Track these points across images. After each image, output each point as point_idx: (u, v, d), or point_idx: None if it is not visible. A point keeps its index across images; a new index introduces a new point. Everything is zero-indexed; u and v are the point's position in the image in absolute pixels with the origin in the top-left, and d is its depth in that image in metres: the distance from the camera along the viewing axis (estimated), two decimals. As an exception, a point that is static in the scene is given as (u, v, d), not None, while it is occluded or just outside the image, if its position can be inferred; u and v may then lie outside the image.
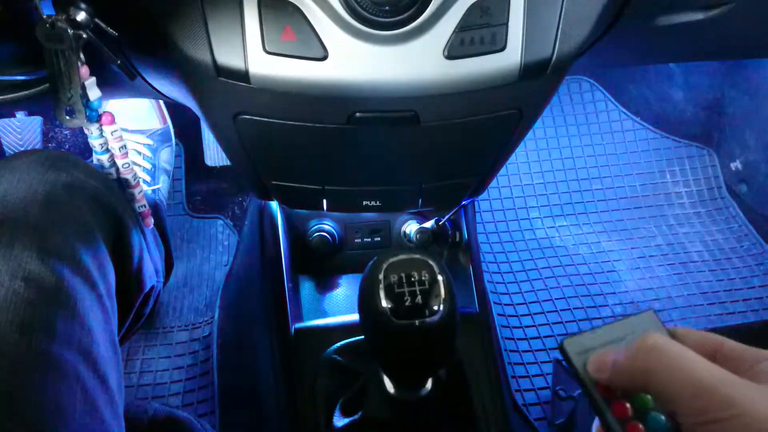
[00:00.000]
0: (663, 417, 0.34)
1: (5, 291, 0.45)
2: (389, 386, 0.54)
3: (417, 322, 0.42)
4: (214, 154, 1.23)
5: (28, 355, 0.43)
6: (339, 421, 0.60)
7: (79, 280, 0.50)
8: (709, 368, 0.31)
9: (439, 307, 0.42)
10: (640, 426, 0.34)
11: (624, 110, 1.37)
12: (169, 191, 1.17)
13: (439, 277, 0.43)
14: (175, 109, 1.13)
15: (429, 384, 0.53)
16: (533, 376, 1.03)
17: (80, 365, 0.46)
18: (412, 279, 0.43)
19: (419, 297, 0.42)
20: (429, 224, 0.80)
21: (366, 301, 0.44)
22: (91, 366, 0.47)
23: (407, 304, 0.42)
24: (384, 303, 0.42)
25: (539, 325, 1.11)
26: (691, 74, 1.34)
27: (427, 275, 0.43)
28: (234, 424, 0.89)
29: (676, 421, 0.33)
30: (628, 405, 0.35)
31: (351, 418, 0.59)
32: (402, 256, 0.44)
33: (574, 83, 1.39)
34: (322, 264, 0.84)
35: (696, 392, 0.30)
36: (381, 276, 0.43)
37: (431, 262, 0.44)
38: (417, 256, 0.44)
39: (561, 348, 0.37)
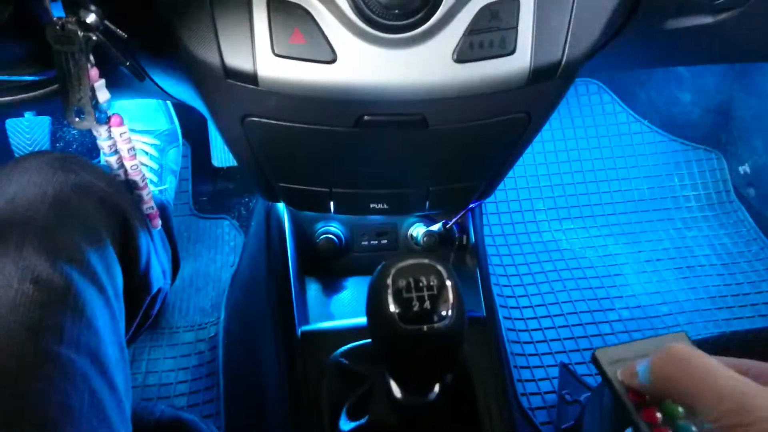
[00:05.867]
0: (693, 427, 0.35)
1: (14, 293, 0.45)
2: (396, 390, 0.53)
3: (425, 328, 0.42)
4: (221, 155, 1.23)
5: (37, 357, 0.44)
6: (345, 425, 0.60)
7: (87, 282, 0.50)
8: (732, 376, 0.32)
9: (447, 312, 0.42)
10: (668, 429, 0.36)
11: (632, 113, 1.37)
12: (176, 191, 1.17)
13: (448, 283, 0.43)
14: (182, 109, 1.13)
15: (436, 389, 0.53)
16: (539, 379, 1.03)
17: (88, 367, 0.46)
18: (421, 284, 0.42)
19: (427, 302, 0.42)
20: (436, 227, 0.80)
21: (374, 305, 0.44)
22: (98, 368, 0.47)
23: (415, 309, 0.42)
24: (392, 308, 0.42)
25: (545, 328, 1.10)
26: (700, 77, 1.34)
27: (435, 280, 0.43)
28: (239, 426, 0.89)
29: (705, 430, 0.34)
30: (658, 414, 0.36)
31: (357, 423, 0.59)
32: (410, 261, 0.43)
33: (582, 86, 1.38)
34: (328, 266, 0.84)
35: (718, 397, 0.31)
36: (389, 281, 0.42)
37: (439, 267, 0.43)
38: (425, 261, 0.44)
39: (593, 357, 0.40)
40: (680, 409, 0.36)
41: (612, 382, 0.38)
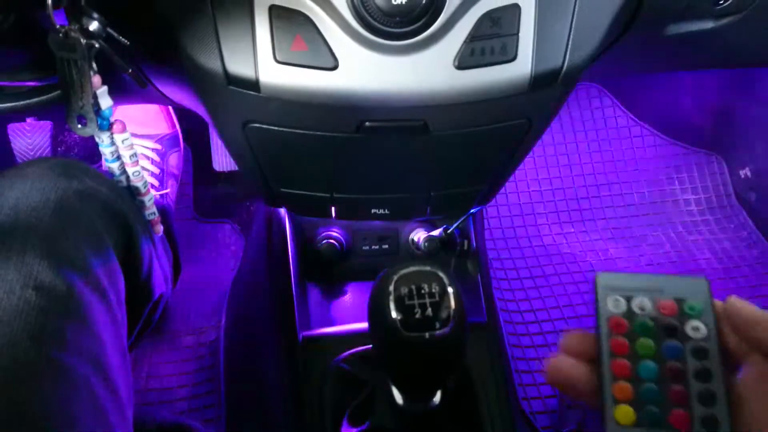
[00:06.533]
0: (656, 366, 0.35)
1: (17, 299, 0.45)
2: (397, 396, 0.53)
3: (427, 335, 0.42)
4: (222, 159, 1.23)
5: (39, 364, 0.44)
6: (347, 430, 0.60)
7: (89, 288, 0.50)
8: None
9: (448, 319, 0.42)
10: (628, 364, 0.35)
11: (632, 116, 1.37)
12: (177, 196, 1.17)
13: (449, 290, 0.43)
14: (183, 113, 1.13)
15: (438, 394, 0.53)
16: (540, 384, 1.03)
17: (90, 374, 0.46)
18: (422, 291, 0.43)
19: (429, 309, 0.42)
20: (437, 232, 0.80)
21: (376, 312, 0.44)
22: (100, 374, 0.47)
23: (417, 316, 0.42)
24: (394, 315, 0.42)
25: (546, 332, 1.10)
26: (700, 81, 1.34)
27: (437, 287, 0.43)
28: (240, 430, 0.89)
29: (670, 375, 0.34)
30: (628, 346, 0.36)
31: (359, 428, 0.59)
32: (412, 268, 0.44)
33: (582, 89, 1.39)
34: (329, 271, 0.84)
35: None
36: (391, 288, 0.43)
37: (441, 275, 0.43)
38: (427, 268, 0.44)
39: (595, 278, 0.38)
40: (651, 343, 0.35)
41: (599, 304, 0.37)
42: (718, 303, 0.36)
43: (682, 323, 0.36)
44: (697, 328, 0.36)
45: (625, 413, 0.35)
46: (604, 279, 0.38)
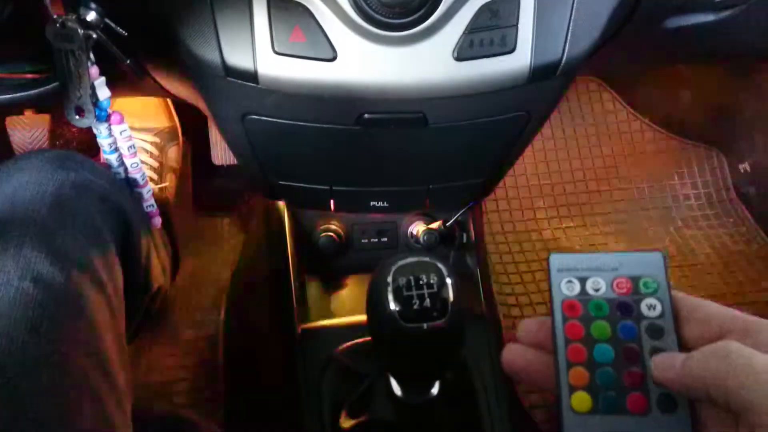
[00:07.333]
0: (612, 349, 0.34)
1: (14, 291, 0.45)
2: (396, 388, 0.53)
3: (425, 326, 0.41)
4: (221, 153, 1.23)
5: (37, 356, 0.44)
6: (345, 422, 0.60)
7: (87, 280, 0.49)
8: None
9: (447, 310, 0.42)
10: (583, 349, 0.34)
11: (632, 111, 1.37)
12: (176, 189, 1.17)
13: (448, 281, 0.43)
14: (182, 107, 1.13)
15: (436, 387, 0.53)
16: (539, 377, 1.03)
17: (88, 366, 0.46)
18: (421, 282, 0.42)
19: (427, 300, 0.42)
20: (436, 225, 0.80)
21: (374, 303, 0.44)
22: (99, 367, 0.47)
23: (415, 307, 0.42)
24: (392, 306, 0.42)
25: (545, 326, 1.10)
26: (700, 75, 1.33)
27: (435, 278, 0.43)
28: (240, 424, 0.89)
29: (626, 357, 0.33)
30: (583, 331, 0.35)
31: (357, 420, 0.59)
32: (410, 259, 0.43)
33: (582, 83, 1.38)
34: (328, 264, 0.84)
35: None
36: (389, 279, 0.42)
37: (440, 265, 0.43)
38: (426, 258, 0.44)
39: (548, 260, 0.37)
40: (608, 327, 0.34)
41: (552, 288, 0.36)
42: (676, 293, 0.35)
43: (638, 302, 0.35)
44: (652, 306, 0.34)
45: (581, 400, 0.34)
46: (557, 260, 0.36)
